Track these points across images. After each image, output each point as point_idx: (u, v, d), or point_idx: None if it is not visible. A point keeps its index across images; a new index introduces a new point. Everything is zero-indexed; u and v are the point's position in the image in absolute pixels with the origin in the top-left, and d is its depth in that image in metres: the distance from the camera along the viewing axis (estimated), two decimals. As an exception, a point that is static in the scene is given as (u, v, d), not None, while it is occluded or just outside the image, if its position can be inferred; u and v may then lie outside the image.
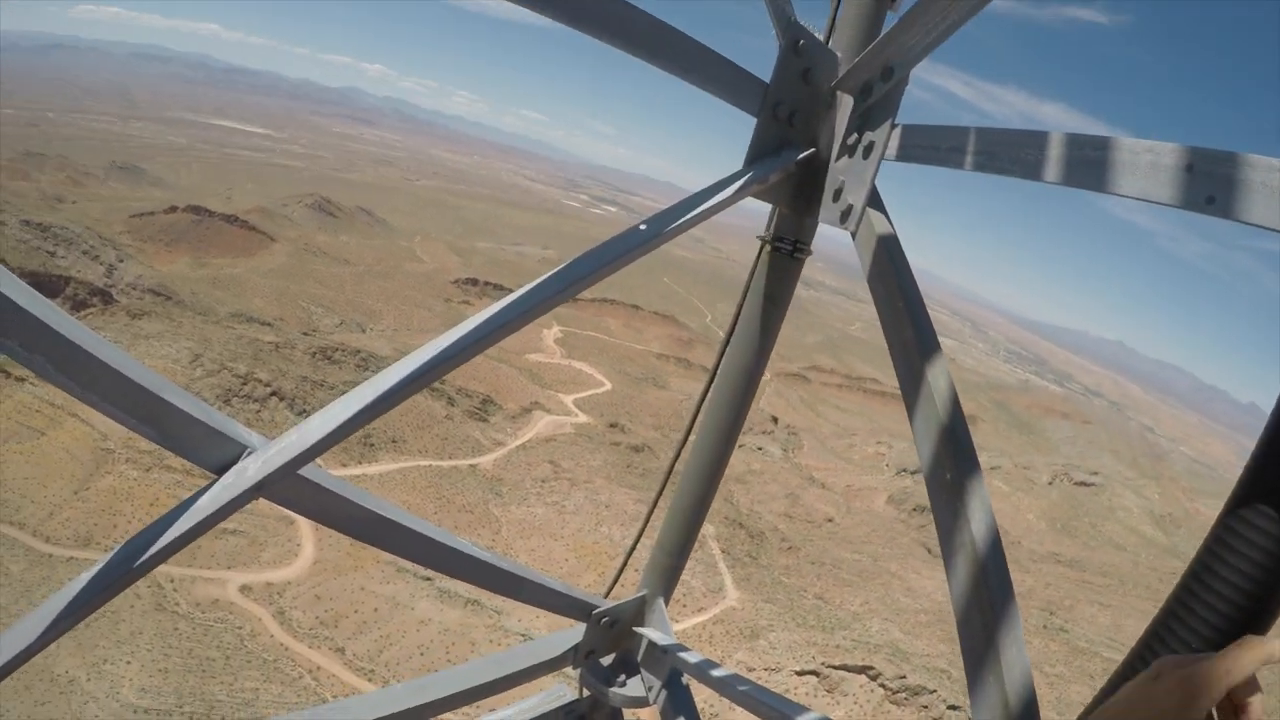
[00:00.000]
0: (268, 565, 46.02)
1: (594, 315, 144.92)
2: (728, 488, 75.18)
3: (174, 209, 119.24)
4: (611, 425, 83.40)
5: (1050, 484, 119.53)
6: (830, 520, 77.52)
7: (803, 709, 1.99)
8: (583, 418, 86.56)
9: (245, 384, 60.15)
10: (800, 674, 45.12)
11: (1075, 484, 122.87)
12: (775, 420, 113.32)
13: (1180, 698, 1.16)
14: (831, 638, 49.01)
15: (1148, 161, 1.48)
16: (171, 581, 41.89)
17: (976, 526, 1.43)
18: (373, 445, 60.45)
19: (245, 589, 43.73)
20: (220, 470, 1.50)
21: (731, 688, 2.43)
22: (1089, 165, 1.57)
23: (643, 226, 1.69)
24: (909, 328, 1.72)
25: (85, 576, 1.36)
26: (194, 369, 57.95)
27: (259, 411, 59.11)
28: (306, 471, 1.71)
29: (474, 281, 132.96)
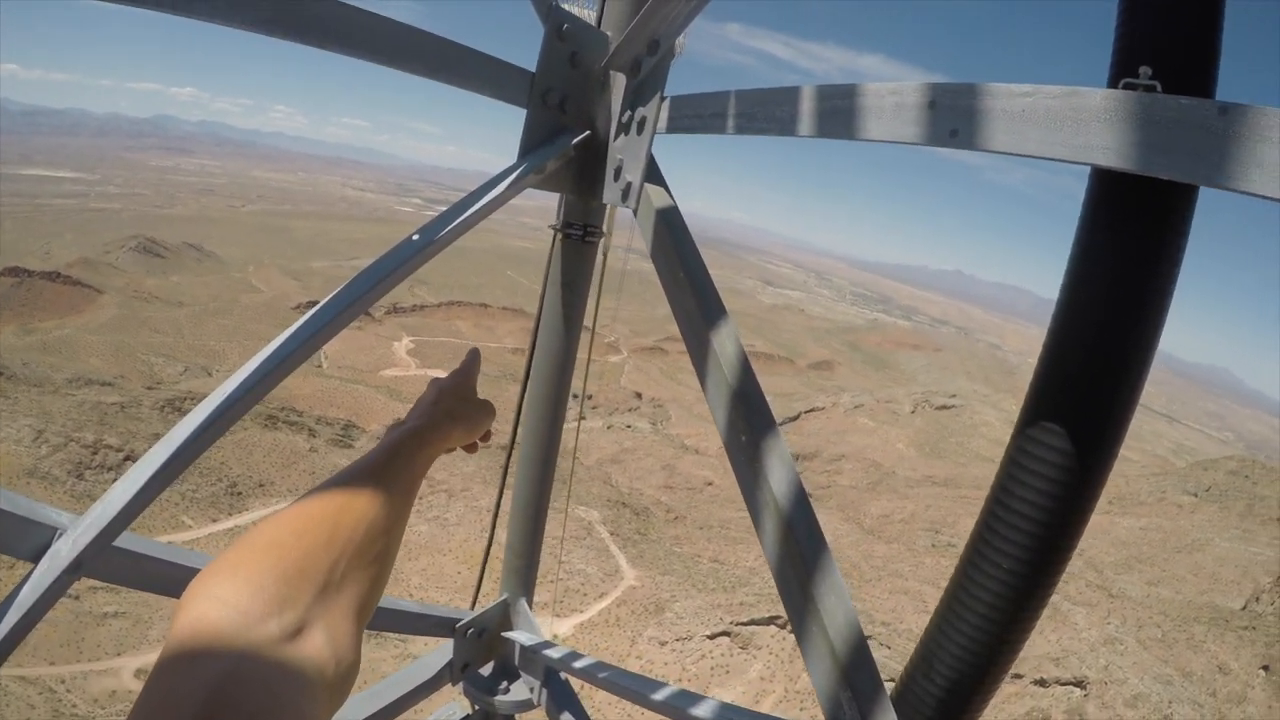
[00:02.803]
0: (158, 643, 42.76)
1: (443, 320, 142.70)
2: (604, 470, 75.49)
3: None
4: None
5: (913, 413, 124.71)
6: (710, 484, 78.84)
7: (660, 684, 2.01)
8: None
9: (96, 453, 55.74)
10: (712, 637, 45.68)
11: (936, 409, 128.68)
12: (639, 396, 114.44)
13: None
14: (734, 596, 49.88)
15: (892, 104, 1.52)
16: (63, 683, 38.34)
17: (777, 483, 1.46)
18: (240, 494, 57.52)
19: (141, 673, 40.57)
20: (35, 557, 1.45)
21: (594, 675, 2.45)
22: (838, 115, 1.61)
23: (415, 236, 1.64)
24: (692, 297, 1.73)
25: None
26: (38, 447, 53.06)
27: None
28: (123, 541, 1.66)
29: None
